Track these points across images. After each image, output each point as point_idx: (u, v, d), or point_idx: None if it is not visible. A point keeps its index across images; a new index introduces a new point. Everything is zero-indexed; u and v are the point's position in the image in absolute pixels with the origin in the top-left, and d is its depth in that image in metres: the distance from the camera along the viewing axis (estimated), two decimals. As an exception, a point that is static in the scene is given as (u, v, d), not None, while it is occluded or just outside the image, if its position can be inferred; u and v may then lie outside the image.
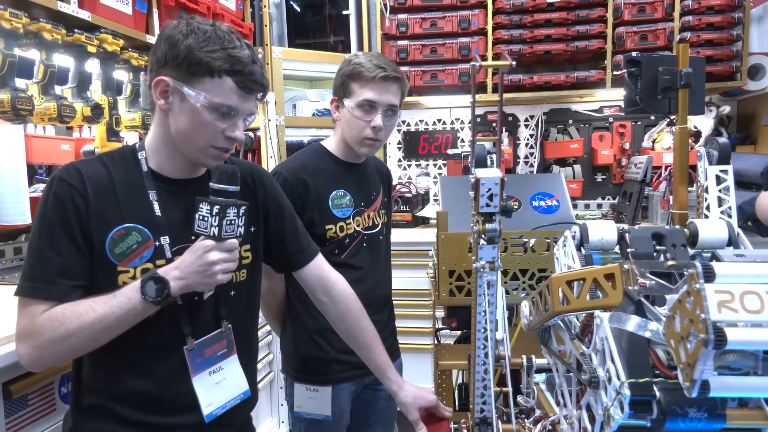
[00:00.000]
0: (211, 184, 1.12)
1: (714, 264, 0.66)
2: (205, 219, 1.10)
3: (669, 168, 3.22)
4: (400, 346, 1.97)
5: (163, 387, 1.16)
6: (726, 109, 3.58)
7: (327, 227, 1.67)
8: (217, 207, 1.09)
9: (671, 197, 2.59)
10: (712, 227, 1.08)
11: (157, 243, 1.15)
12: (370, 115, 1.63)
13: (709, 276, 0.64)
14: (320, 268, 1.45)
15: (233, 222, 1.12)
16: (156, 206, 1.16)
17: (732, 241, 1.07)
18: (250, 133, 3.27)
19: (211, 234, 1.10)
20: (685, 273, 0.65)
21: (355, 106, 1.63)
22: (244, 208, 1.14)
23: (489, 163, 1.33)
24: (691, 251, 1.09)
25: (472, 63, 0.89)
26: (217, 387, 1.21)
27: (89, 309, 1.06)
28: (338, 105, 1.70)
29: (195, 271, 1.09)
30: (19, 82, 1.82)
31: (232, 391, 1.24)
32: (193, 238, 1.12)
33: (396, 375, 1.48)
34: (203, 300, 1.20)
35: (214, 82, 1.11)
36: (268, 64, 3.39)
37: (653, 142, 3.62)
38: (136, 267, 1.13)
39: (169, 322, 1.15)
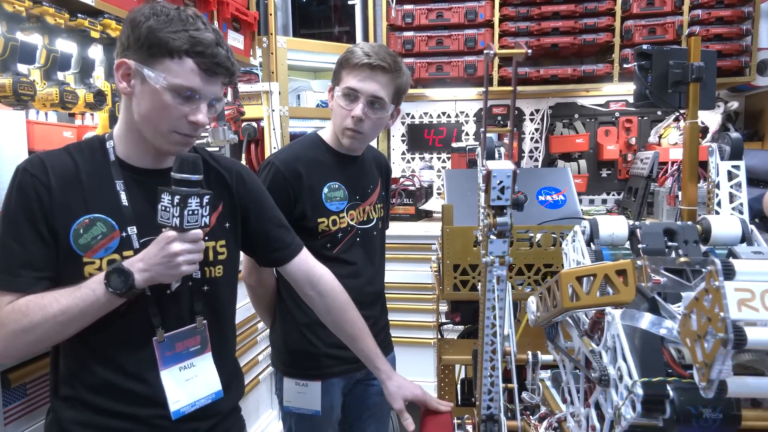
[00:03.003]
0: (172, 173, 1.09)
1: (733, 261, 0.64)
2: (167, 209, 1.07)
3: (675, 163, 3.19)
4: (403, 339, 1.97)
5: (133, 379, 1.15)
6: (734, 104, 3.55)
7: (319, 220, 1.63)
8: (178, 197, 1.06)
9: (679, 193, 2.56)
10: (725, 223, 1.06)
11: (123, 234, 1.13)
12: (352, 104, 1.57)
13: (729, 273, 0.62)
14: (306, 263, 1.43)
15: (196, 212, 1.08)
16: (123, 196, 1.14)
17: (746, 238, 1.05)
18: (254, 124, 3.24)
19: (173, 225, 1.07)
20: (704, 270, 0.63)
21: (340, 93, 1.58)
22: (208, 197, 1.10)
23: (497, 155, 1.31)
24: (703, 248, 1.07)
25: (486, 51, 0.87)
26: (187, 384, 1.19)
27: (53, 301, 1.05)
28: (333, 94, 1.65)
29: (158, 263, 1.07)
30: (21, 68, 1.80)
31: (203, 390, 1.21)
32: (163, 230, 1.10)
33: (385, 364, 1.47)
34: (174, 292, 1.18)
35: (175, 62, 1.08)
36: (272, 53, 3.36)
37: (660, 137, 3.59)
38: (101, 258, 1.11)
39: (139, 313, 1.14)
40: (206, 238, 1.20)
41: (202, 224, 1.10)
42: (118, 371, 1.14)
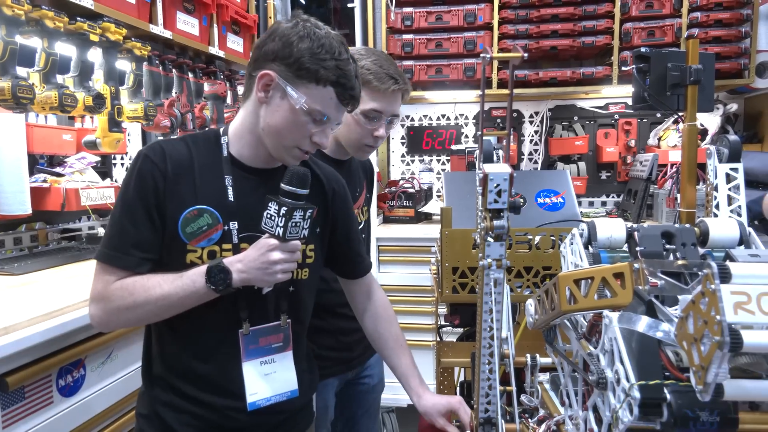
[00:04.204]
0: (281, 185, 1.14)
1: (730, 264, 0.64)
2: (272, 218, 1.13)
3: (675, 166, 3.19)
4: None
5: (216, 368, 1.21)
6: (733, 107, 3.55)
7: None
8: (285, 209, 1.12)
9: (678, 195, 2.56)
10: (723, 226, 1.06)
11: (225, 227, 1.19)
12: (374, 124, 1.61)
13: (725, 276, 0.62)
14: (373, 278, 1.53)
15: (298, 224, 1.14)
16: (230, 191, 1.21)
17: (743, 241, 1.05)
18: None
19: (276, 234, 1.13)
20: (700, 274, 0.63)
21: (359, 113, 1.59)
22: (310, 211, 1.16)
23: (495, 158, 1.31)
24: (701, 250, 1.07)
25: (482, 55, 0.87)
26: (265, 378, 1.24)
27: (156, 285, 1.12)
28: None
29: (257, 267, 1.13)
30: (20, 71, 1.80)
31: (280, 386, 1.26)
32: (261, 228, 1.15)
33: (418, 384, 1.45)
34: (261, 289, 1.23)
35: (318, 89, 1.15)
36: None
37: (659, 139, 3.59)
38: (203, 248, 1.18)
39: (229, 306, 1.19)
40: None
41: (302, 236, 1.16)
42: (202, 359, 1.20)
